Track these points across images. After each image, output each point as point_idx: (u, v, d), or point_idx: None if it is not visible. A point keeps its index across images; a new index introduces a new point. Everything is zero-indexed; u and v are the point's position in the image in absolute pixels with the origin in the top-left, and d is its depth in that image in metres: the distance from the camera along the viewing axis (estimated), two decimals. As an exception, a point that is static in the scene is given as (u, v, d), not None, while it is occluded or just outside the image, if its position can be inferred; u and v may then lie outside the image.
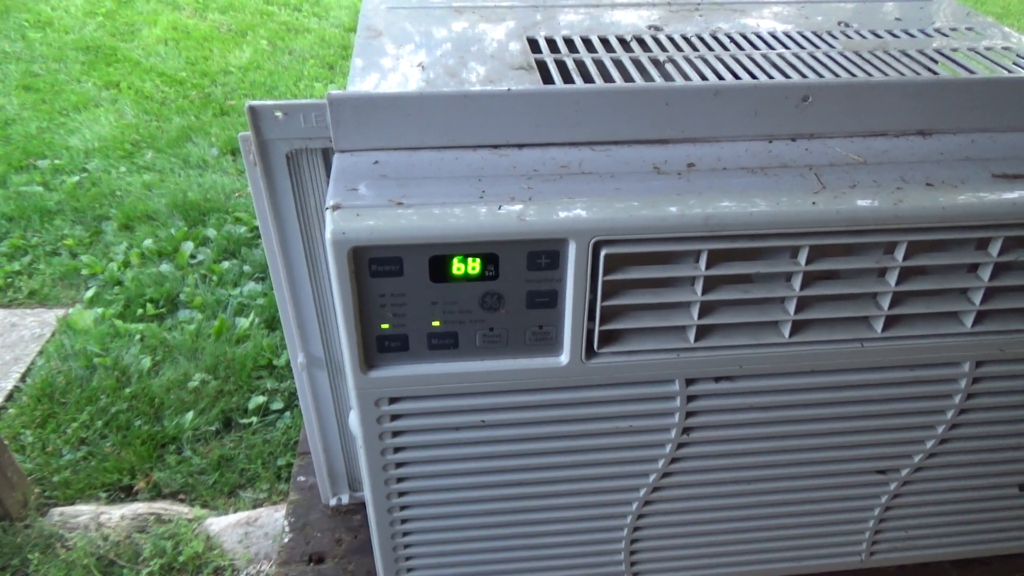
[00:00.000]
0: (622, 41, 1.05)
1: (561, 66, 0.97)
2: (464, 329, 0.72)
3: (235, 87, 4.15)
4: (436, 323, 0.72)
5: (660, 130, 0.79)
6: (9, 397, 2.42)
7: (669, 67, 0.96)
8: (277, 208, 0.79)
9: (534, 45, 1.03)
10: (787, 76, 0.90)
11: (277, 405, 2.44)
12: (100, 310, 2.71)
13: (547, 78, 0.93)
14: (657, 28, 1.09)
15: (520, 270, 0.70)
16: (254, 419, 2.38)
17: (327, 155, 0.77)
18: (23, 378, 2.49)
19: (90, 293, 2.77)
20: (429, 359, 0.73)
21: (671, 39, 1.05)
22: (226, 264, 2.93)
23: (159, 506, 2.15)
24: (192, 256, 2.97)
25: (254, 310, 2.75)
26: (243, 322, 2.70)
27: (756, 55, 0.99)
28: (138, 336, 2.62)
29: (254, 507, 2.19)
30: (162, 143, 3.57)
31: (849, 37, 1.05)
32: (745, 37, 1.05)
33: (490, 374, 0.73)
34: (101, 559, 1.98)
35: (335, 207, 0.68)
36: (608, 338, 0.74)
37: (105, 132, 3.60)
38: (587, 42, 1.05)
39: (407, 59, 0.96)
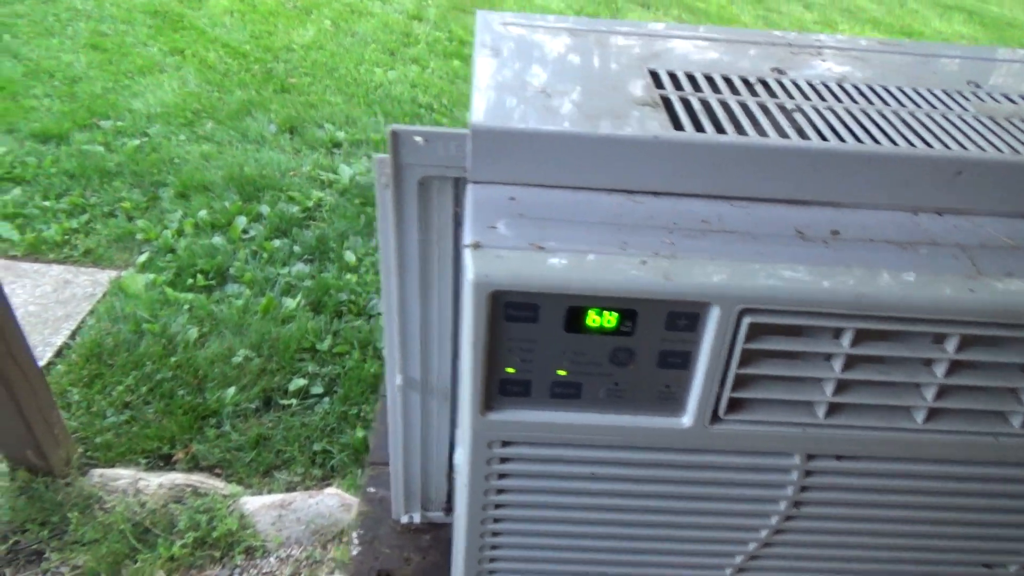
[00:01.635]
0: (746, 82, 1.00)
1: (686, 104, 0.93)
2: (589, 381, 0.69)
3: (297, 65, 4.13)
4: (562, 372, 0.68)
5: (803, 191, 0.75)
6: (59, 353, 2.42)
7: (799, 117, 0.91)
8: (401, 232, 0.75)
9: (656, 79, 0.99)
10: (927, 142, 0.85)
11: (317, 389, 2.42)
12: (152, 276, 2.70)
13: (674, 117, 0.89)
14: (780, 71, 1.04)
15: (657, 329, 0.66)
16: (294, 401, 2.37)
17: (457, 184, 0.74)
18: (73, 336, 2.48)
19: (143, 258, 2.77)
20: (549, 407, 0.69)
21: (797, 85, 1.00)
22: (277, 242, 2.92)
23: (196, 478, 2.14)
24: (244, 231, 2.96)
25: (301, 291, 2.74)
26: (290, 302, 2.68)
27: (887, 111, 0.94)
28: (187, 306, 2.61)
29: (288, 490, 2.18)
30: (222, 115, 3.55)
31: (981, 99, 1.00)
32: (873, 89, 1.00)
33: (609, 428, 0.70)
34: (137, 525, 1.97)
35: (476, 245, 0.64)
36: (735, 405, 0.71)
37: (168, 98, 3.59)
38: (710, 80, 1.00)
39: (529, 83, 0.92)
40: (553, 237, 0.67)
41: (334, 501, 2.10)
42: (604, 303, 0.65)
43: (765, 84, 1.00)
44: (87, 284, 2.68)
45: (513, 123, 0.71)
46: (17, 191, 2.95)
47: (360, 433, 2.30)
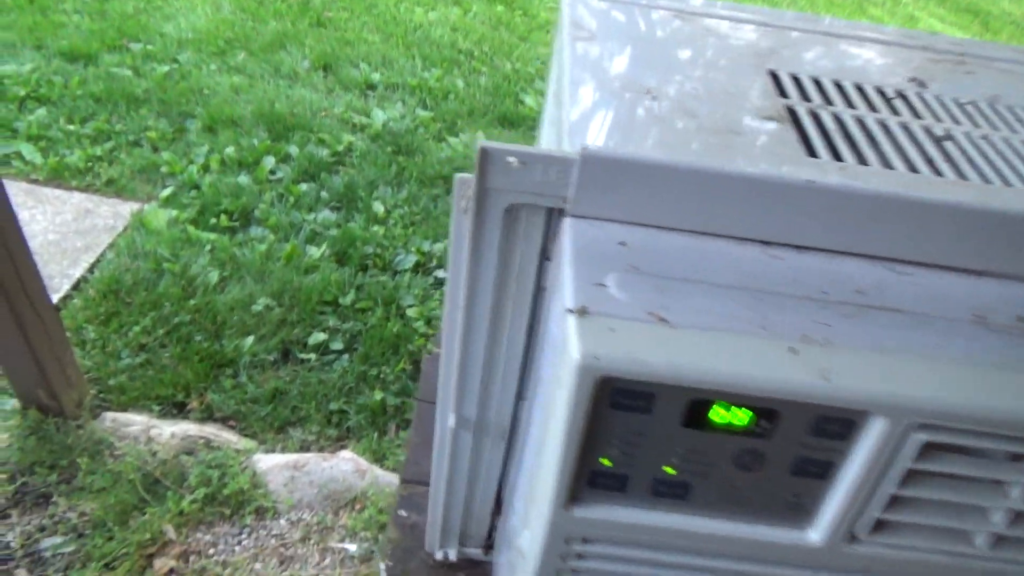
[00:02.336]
0: (882, 94, 0.82)
1: (817, 120, 0.75)
2: (702, 483, 0.54)
3: (334, -1, 3.88)
4: (669, 469, 0.53)
5: (981, 259, 0.58)
6: (76, 286, 2.29)
7: (950, 147, 0.74)
8: (477, 263, 0.59)
9: (778, 83, 0.81)
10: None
11: (337, 345, 2.29)
12: (174, 212, 2.54)
13: (805, 138, 0.72)
14: (921, 83, 0.85)
15: (798, 432, 0.51)
16: (312, 356, 2.24)
17: (550, 215, 0.57)
18: (91, 269, 2.34)
19: (167, 192, 2.60)
20: (647, 506, 0.55)
21: (942, 103, 0.82)
22: (304, 186, 2.75)
23: (209, 430, 2.03)
24: (271, 172, 2.78)
25: (326, 240, 2.58)
26: (314, 251, 2.53)
27: (1054, 149, 0.76)
28: (208, 246, 2.46)
29: (301, 449, 2.07)
30: (255, 46, 3.33)
31: None
32: (1030, 117, 0.82)
33: (718, 537, 0.55)
34: (147, 476, 1.86)
35: (582, 312, 0.48)
36: (879, 525, 0.56)
37: (200, 24, 3.36)
38: (840, 88, 0.82)
39: (632, 80, 0.74)
40: (678, 305, 0.50)
41: (348, 466, 1.99)
42: (737, 398, 0.49)
43: (904, 98, 0.82)
44: (108, 215, 2.52)
45: (632, 151, 0.54)
46: (42, 111, 2.77)
47: (378, 396, 2.17)
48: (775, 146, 0.68)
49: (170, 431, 1.98)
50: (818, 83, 0.82)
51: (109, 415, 1.98)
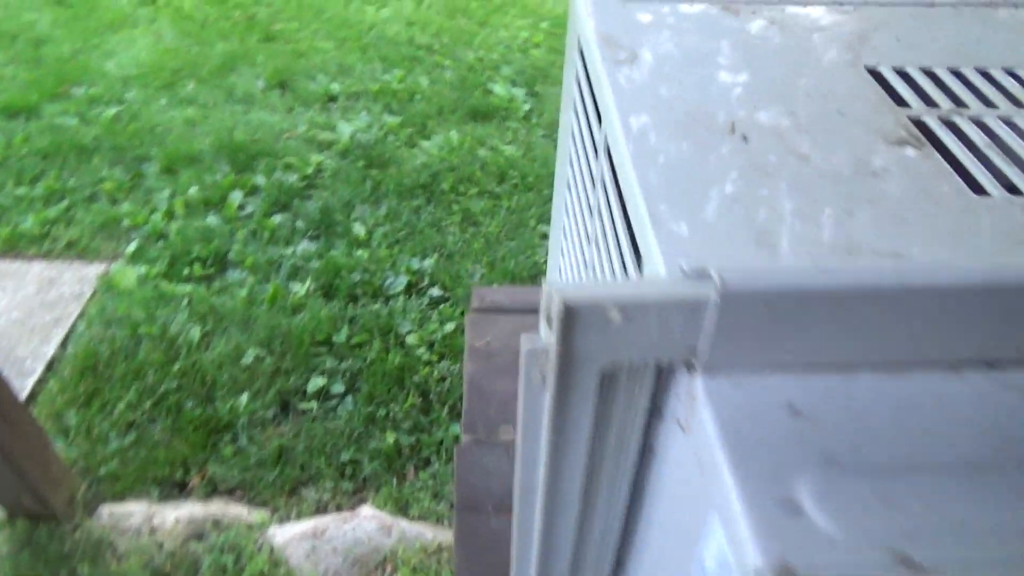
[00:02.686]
0: (1020, 81, 0.61)
1: (957, 132, 0.55)
2: None
3: (281, 8, 3.59)
4: None
5: None
6: (50, 367, 2.05)
7: None
8: (561, 443, 0.38)
9: (885, 85, 0.60)
10: None
11: (338, 388, 2.07)
12: (143, 268, 2.30)
13: (955, 164, 0.51)
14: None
15: None
16: (314, 404, 2.02)
17: (662, 373, 0.36)
18: (64, 344, 2.11)
19: (132, 247, 2.36)
20: None
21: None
22: (277, 218, 2.50)
23: (215, 507, 1.82)
24: (240, 207, 2.53)
25: (310, 274, 2.35)
26: (298, 288, 2.30)
27: None
28: (185, 300, 2.22)
29: (317, 510, 1.86)
30: (204, 72, 3.05)
31: None
32: None
33: None
34: (156, 572, 1.66)
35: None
36: None
37: (143, 57, 3.07)
38: (961, 78, 0.61)
39: (706, 115, 0.53)
40: (923, 525, 0.30)
41: (371, 524, 1.79)
42: None
43: (1042, 84, 0.61)
44: (74, 282, 2.27)
45: (790, 275, 0.33)
46: (-15, 178, 2.50)
47: (390, 438, 1.96)
48: (929, 186, 0.47)
49: (174, 516, 1.77)
50: (933, 76, 0.60)
51: (105, 508, 1.76)
